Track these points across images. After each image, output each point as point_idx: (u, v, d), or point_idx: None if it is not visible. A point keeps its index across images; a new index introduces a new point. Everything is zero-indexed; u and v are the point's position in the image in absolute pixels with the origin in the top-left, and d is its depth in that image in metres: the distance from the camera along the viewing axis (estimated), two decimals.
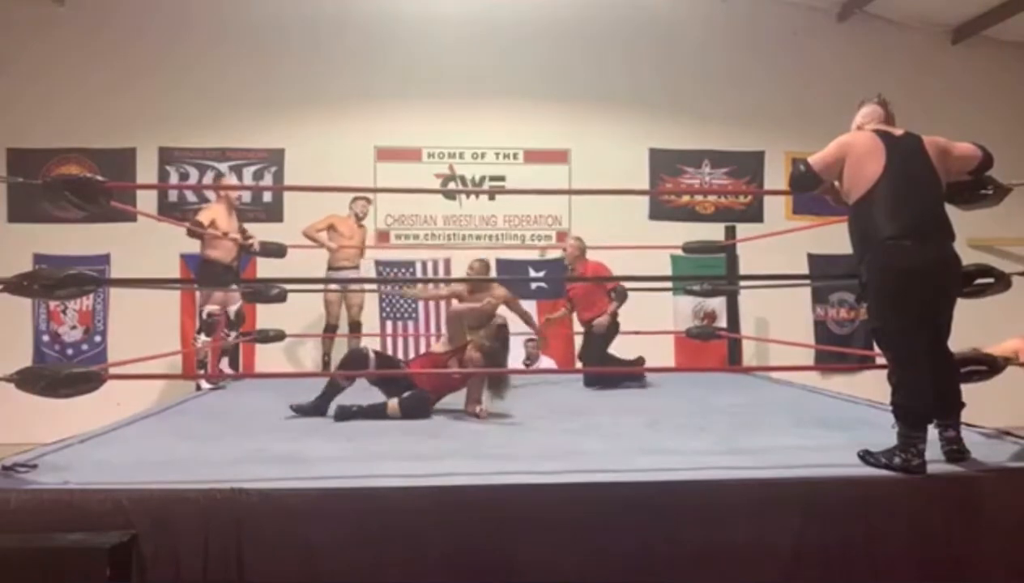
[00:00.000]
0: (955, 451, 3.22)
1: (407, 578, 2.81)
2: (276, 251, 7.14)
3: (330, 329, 7.88)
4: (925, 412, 3.16)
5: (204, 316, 6.61)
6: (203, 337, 6.55)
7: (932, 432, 3.20)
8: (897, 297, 3.18)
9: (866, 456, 3.20)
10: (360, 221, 7.98)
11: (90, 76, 8.89)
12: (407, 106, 9.11)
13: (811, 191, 3.64)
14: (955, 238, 3.29)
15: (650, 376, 6.47)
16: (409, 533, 2.81)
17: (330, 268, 7.73)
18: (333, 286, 7.67)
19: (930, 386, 3.18)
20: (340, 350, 8.21)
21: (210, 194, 8.98)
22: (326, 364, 7.94)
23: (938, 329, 3.27)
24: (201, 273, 6.81)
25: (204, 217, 6.55)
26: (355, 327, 7.95)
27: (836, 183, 3.50)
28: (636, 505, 2.91)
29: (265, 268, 7.98)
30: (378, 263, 8.92)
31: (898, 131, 3.38)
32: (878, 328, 3.34)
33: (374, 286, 8.54)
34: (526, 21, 9.21)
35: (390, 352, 8.23)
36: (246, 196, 8.87)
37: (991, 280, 3.70)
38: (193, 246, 7.63)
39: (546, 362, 8.51)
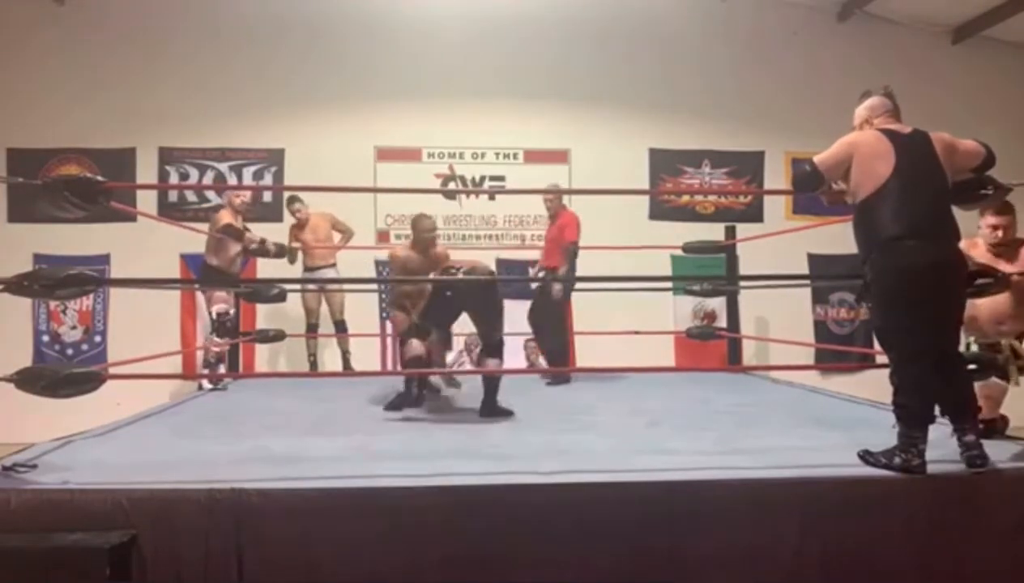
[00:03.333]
0: (976, 456, 3.12)
1: (407, 578, 2.81)
2: (279, 252, 7.12)
3: (312, 329, 7.88)
4: (925, 412, 3.15)
5: (214, 317, 6.59)
6: (215, 338, 6.53)
7: (932, 433, 3.19)
8: (900, 296, 3.17)
9: (866, 456, 3.20)
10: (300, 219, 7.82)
11: (90, 76, 8.89)
12: (407, 106, 9.10)
13: (814, 191, 3.63)
14: (960, 238, 3.27)
15: (650, 376, 6.46)
16: (409, 533, 2.81)
17: (306, 269, 7.74)
18: (313, 286, 7.66)
19: (931, 386, 3.16)
20: (323, 350, 8.22)
21: (210, 195, 9.04)
22: (312, 364, 7.92)
23: (944, 330, 3.23)
24: (202, 277, 6.81)
25: (228, 221, 6.50)
26: (339, 326, 7.93)
27: (834, 184, 3.50)
28: (636, 505, 2.91)
29: (265, 268, 7.99)
30: (378, 263, 8.91)
31: (905, 128, 3.34)
32: (880, 327, 3.34)
33: (372, 286, 8.55)
34: (526, 21, 9.20)
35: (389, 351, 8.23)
36: (246, 196, 8.85)
37: (991, 280, 3.70)
38: (193, 246, 7.65)
39: (545, 362, 8.51)
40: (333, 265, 7.89)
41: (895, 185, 3.19)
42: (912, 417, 3.11)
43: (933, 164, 3.25)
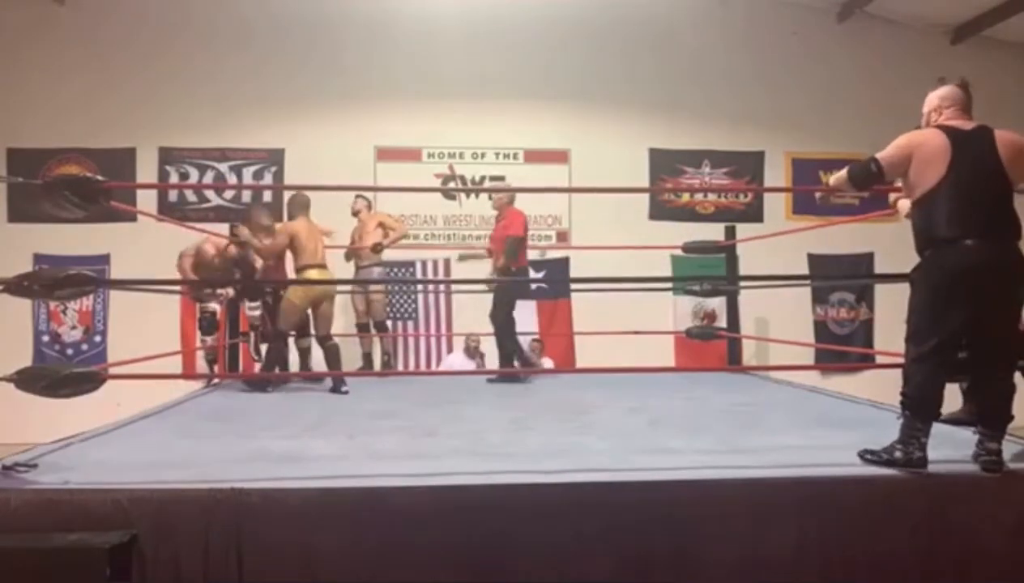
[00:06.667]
0: (993, 462, 3.11)
1: (407, 578, 2.80)
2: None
3: (362, 330, 7.81)
4: (933, 405, 3.12)
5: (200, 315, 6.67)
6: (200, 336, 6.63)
7: (938, 435, 3.17)
8: (947, 296, 3.11)
9: (865, 455, 3.17)
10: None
11: (90, 76, 8.90)
12: (407, 106, 9.11)
13: (870, 188, 3.60)
14: (1021, 237, 3.19)
15: (650, 376, 6.45)
16: (409, 533, 2.81)
17: (356, 268, 7.69)
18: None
19: (943, 384, 3.13)
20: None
21: (210, 195, 9.04)
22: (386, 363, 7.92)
23: (992, 331, 3.16)
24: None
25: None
26: (379, 328, 7.84)
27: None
28: (636, 504, 2.91)
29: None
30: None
31: (969, 125, 3.27)
32: (915, 321, 3.22)
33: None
34: (526, 21, 9.21)
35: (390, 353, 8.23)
36: (246, 196, 8.87)
37: None
38: None
39: (546, 362, 8.52)
40: (377, 264, 7.66)
41: (950, 185, 3.13)
42: (919, 407, 3.09)
43: (993, 166, 3.17)
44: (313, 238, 6.24)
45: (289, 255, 6.34)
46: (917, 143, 3.27)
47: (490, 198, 7.42)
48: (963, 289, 3.09)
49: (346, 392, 5.76)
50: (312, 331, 6.41)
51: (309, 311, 6.29)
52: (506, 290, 6.63)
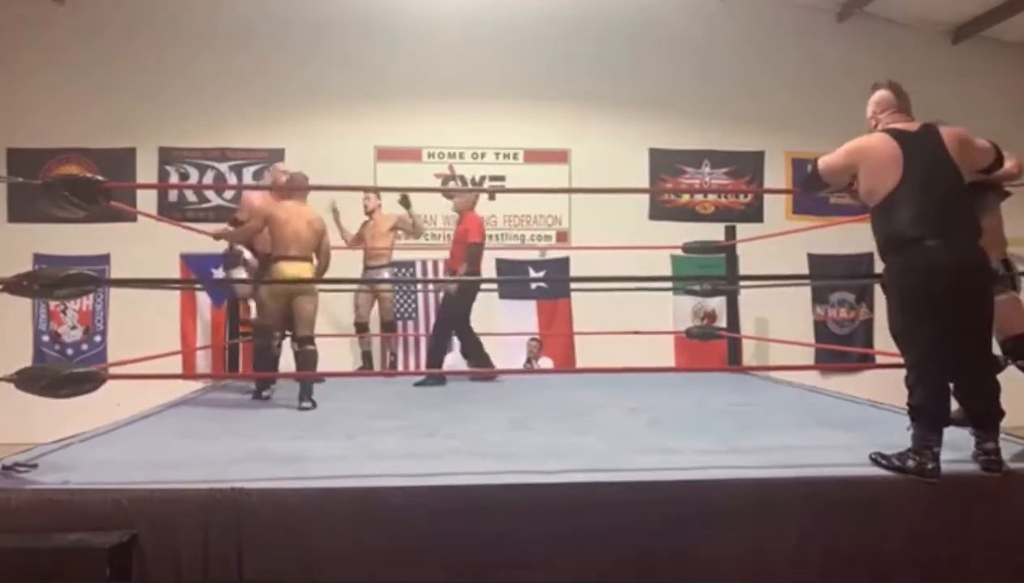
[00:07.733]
0: (993, 462, 3.11)
1: (407, 578, 2.80)
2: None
3: (362, 329, 7.83)
4: (940, 414, 3.10)
5: None
6: None
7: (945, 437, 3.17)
8: (920, 298, 3.11)
9: (878, 458, 3.15)
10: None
11: (90, 76, 8.90)
12: (407, 106, 9.11)
13: (818, 193, 3.61)
14: (981, 235, 3.19)
15: (650, 376, 6.45)
16: (409, 533, 2.81)
17: (365, 268, 7.68)
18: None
19: (947, 388, 3.12)
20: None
21: (210, 195, 9.04)
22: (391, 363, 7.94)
23: (966, 332, 3.13)
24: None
25: None
26: (387, 327, 7.89)
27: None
28: (636, 505, 2.91)
29: None
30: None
31: (913, 125, 3.28)
32: (897, 328, 3.24)
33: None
34: (526, 21, 9.21)
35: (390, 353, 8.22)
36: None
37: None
38: (193, 246, 7.64)
39: (546, 362, 8.52)
40: (388, 266, 7.69)
41: (907, 188, 3.13)
42: (927, 418, 3.07)
43: (945, 164, 3.17)
44: (292, 222, 5.46)
45: None
46: (864, 149, 3.29)
47: (451, 199, 7.28)
48: (934, 290, 3.09)
49: (308, 408, 5.03)
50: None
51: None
52: (461, 293, 6.53)
